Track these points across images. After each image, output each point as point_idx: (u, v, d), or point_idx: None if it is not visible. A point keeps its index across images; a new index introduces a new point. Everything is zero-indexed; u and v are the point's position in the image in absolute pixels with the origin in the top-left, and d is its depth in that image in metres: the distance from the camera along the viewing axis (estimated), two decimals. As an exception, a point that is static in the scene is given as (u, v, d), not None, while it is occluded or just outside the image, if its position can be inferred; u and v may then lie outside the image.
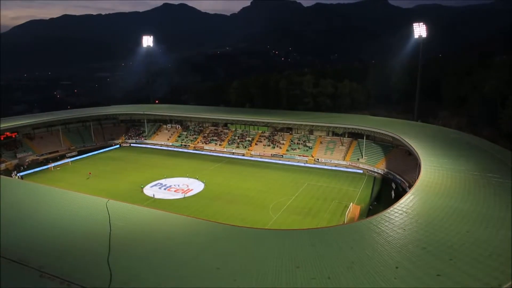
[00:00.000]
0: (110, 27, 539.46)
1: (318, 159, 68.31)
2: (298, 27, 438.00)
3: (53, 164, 65.70)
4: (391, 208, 30.32)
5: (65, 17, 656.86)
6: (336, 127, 69.59)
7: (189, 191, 54.10)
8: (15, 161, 65.88)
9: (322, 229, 30.51)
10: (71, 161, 69.13)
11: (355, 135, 69.18)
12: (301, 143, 72.85)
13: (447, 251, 22.99)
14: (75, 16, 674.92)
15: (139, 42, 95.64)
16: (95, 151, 77.26)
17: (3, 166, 63.61)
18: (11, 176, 59.70)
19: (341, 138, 71.20)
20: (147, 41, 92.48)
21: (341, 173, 63.24)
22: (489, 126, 59.85)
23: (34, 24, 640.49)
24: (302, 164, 67.77)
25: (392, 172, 58.11)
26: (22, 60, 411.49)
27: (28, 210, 32.42)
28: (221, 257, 23.29)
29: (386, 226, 27.08)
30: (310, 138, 73.70)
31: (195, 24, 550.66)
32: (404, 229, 26.19)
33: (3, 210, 30.74)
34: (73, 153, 74.39)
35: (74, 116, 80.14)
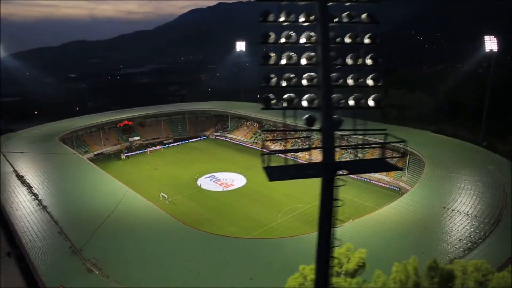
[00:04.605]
0: (257, 13, 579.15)
1: (362, 171, 70.27)
2: (449, 8, 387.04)
3: (149, 149, 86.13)
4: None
5: (220, 5, 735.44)
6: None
7: (230, 186, 65.20)
8: (127, 144, 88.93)
9: (257, 240, 38.06)
10: (163, 147, 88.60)
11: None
12: (354, 153, 75.25)
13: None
14: (228, 3, 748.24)
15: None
16: (186, 140, 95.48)
17: (117, 147, 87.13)
18: (120, 155, 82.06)
19: (393, 152, 70.75)
20: (240, 45, 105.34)
21: (376, 188, 64.50)
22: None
23: (195, 13, 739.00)
24: (345, 174, 70.72)
25: (424, 196, 57.20)
26: (181, 45, 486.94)
27: (77, 184, 49.88)
28: (163, 248, 33.96)
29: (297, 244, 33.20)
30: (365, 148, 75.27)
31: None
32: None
33: (62, 181, 49.05)
34: (169, 141, 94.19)
35: (174, 110, 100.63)
